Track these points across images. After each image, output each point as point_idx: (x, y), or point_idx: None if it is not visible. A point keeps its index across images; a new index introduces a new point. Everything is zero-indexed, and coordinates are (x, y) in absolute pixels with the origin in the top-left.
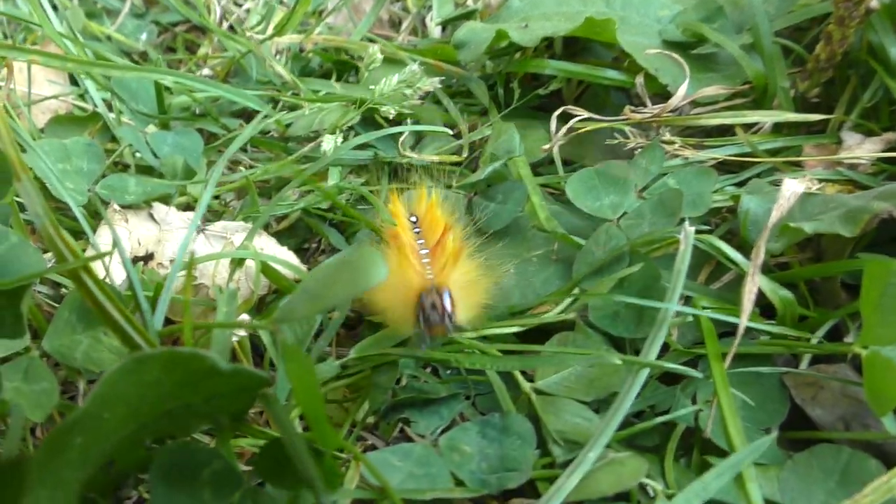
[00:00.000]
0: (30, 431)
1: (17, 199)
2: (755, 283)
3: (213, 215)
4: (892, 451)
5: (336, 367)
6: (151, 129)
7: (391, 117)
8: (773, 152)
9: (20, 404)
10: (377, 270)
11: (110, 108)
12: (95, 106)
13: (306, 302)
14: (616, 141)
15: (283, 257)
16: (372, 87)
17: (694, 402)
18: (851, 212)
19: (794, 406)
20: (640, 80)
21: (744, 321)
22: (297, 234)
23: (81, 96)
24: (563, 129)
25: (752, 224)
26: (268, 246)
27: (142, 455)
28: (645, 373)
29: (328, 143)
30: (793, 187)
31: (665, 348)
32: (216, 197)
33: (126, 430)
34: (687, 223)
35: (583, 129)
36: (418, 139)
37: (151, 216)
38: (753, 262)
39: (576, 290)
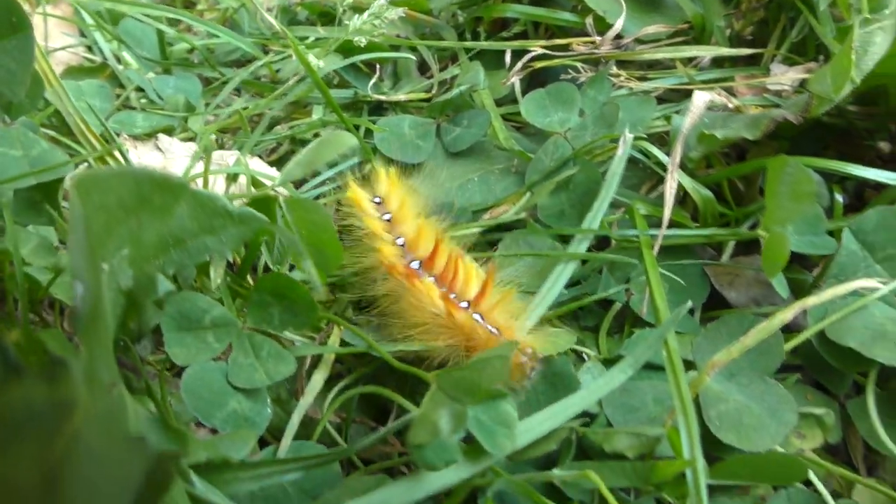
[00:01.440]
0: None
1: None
2: (674, 179)
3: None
4: (793, 322)
5: None
6: (152, 75)
7: (363, 45)
8: (709, 83)
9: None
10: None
11: (118, 59)
12: (104, 57)
13: (299, 167)
14: (570, 76)
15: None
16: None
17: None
18: (755, 118)
19: (713, 291)
20: (589, 20)
21: (667, 213)
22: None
23: (90, 48)
24: (519, 64)
25: (676, 134)
26: (259, 166)
27: (155, 305)
28: (574, 263)
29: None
30: (702, 98)
31: (608, 244)
32: (214, 134)
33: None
34: (626, 130)
35: (538, 65)
36: (396, 82)
37: (157, 146)
38: (672, 160)
39: (528, 194)
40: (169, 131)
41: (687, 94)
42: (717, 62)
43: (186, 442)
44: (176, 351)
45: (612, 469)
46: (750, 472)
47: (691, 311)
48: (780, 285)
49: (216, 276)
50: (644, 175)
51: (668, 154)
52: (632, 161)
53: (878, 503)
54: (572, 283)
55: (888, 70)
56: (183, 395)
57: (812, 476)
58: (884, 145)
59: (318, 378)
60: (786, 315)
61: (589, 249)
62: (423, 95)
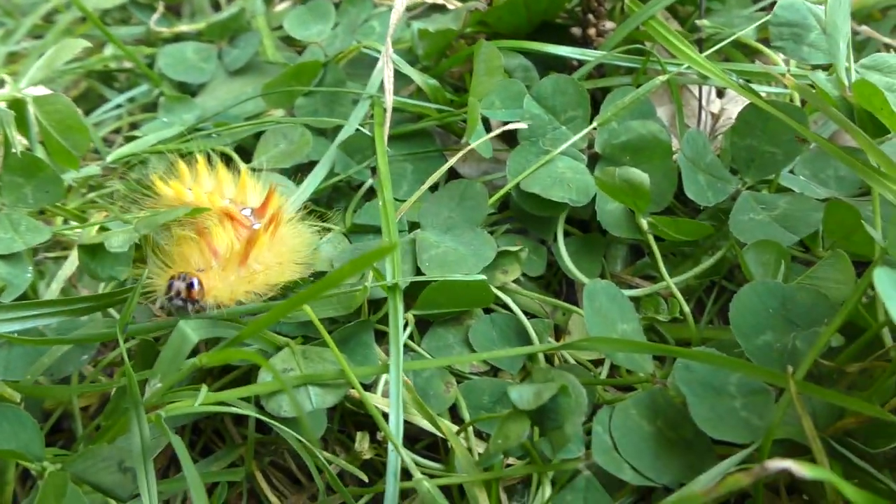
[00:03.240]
0: None
1: None
2: (390, 67)
3: None
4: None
5: None
6: None
7: None
8: None
9: None
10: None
11: None
12: None
13: (40, 70)
14: None
15: None
16: None
17: (373, 173)
18: (456, 12)
19: (451, 169)
20: None
21: (388, 98)
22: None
23: None
24: None
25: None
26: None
27: None
28: (333, 147)
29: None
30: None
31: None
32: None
33: None
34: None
35: None
36: (193, 17)
37: None
38: (385, 51)
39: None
40: None
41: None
42: None
43: None
44: None
45: (322, 302)
46: (446, 298)
47: (435, 187)
48: (479, 144)
49: None
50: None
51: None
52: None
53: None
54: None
55: None
56: None
57: (510, 302)
58: (576, 30)
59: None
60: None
61: None
62: (202, 26)
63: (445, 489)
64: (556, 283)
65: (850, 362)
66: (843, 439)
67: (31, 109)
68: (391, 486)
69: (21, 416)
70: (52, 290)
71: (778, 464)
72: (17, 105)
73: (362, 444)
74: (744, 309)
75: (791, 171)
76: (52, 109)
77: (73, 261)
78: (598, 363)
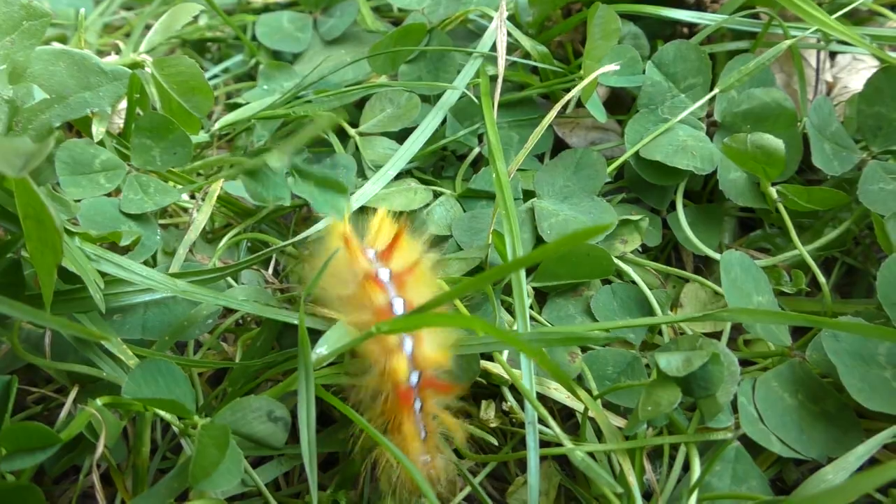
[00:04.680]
0: None
1: None
2: (503, 32)
3: None
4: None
5: None
6: None
7: None
8: None
9: None
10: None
11: None
12: None
13: (157, 34)
14: None
15: None
16: None
17: (480, 141)
18: None
19: (557, 139)
20: None
21: (501, 62)
22: None
23: None
24: None
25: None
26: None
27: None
28: (442, 112)
29: None
30: None
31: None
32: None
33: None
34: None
35: None
36: None
37: None
38: (498, 15)
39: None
40: (62, 40)
41: None
42: None
43: None
44: (71, 190)
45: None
46: (567, 269)
47: (540, 157)
48: (594, 108)
49: (99, 130)
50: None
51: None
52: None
53: (700, 296)
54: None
55: None
56: (80, 220)
57: (632, 273)
58: None
59: (201, 218)
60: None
61: None
62: None
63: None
64: (665, 256)
65: None
66: None
67: (151, 72)
68: (532, 452)
69: (175, 371)
70: (178, 255)
71: None
72: (134, 66)
73: (488, 411)
74: (891, 278)
75: None
76: (174, 71)
77: (197, 226)
78: (713, 336)
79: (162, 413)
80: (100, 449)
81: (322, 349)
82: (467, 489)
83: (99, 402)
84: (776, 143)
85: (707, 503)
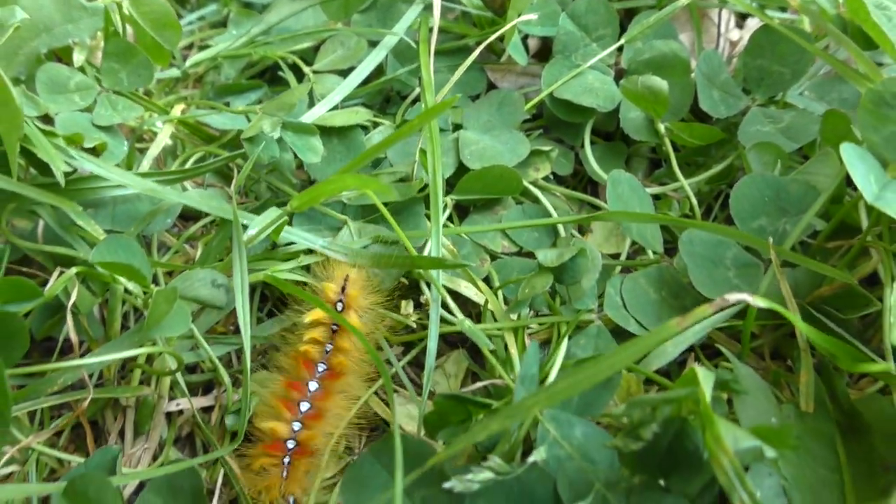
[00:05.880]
0: None
1: None
2: None
3: None
4: None
5: None
6: None
7: None
8: None
9: None
10: None
11: None
12: None
13: None
14: None
15: None
16: None
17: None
18: None
19: (490, 84)
20: None
21: (437, 11)
22: None
23: None
24: None
25: None
26: None
27: None
28: (384, 51)
29: None
30: None
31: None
32: None
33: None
34: None
35: None
36: None
37: None
38: None
39: None
40: None
41: None
42: None
43: None
44: (50, 106)
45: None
46: (482, 185)
47: (474, 98)
48: (516, 52)
49: (79, 58)
50: None
51: None
52: None
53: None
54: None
55: None
56: (58, 130)
57: (539, 194)
58: None
59: (164, 133)
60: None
61: None
62: None
63: None
64: (582, 189)
65: (828, 241)
66: (819, 307)
67: (126, 8)
68: (434, 326)
69: (134, 246)
70: (143, 167)
71: (737, 296)
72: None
73: (407, 308)
74: (742, 196)
75: (800, 94)
76: (148, 10)
77: (159, 142)
78: (614, 257)
79: (125, 283)
80: (73, 297)
81: (252, 230)
82: (393, 369)
83: (73, 269)
84: (661, 84)
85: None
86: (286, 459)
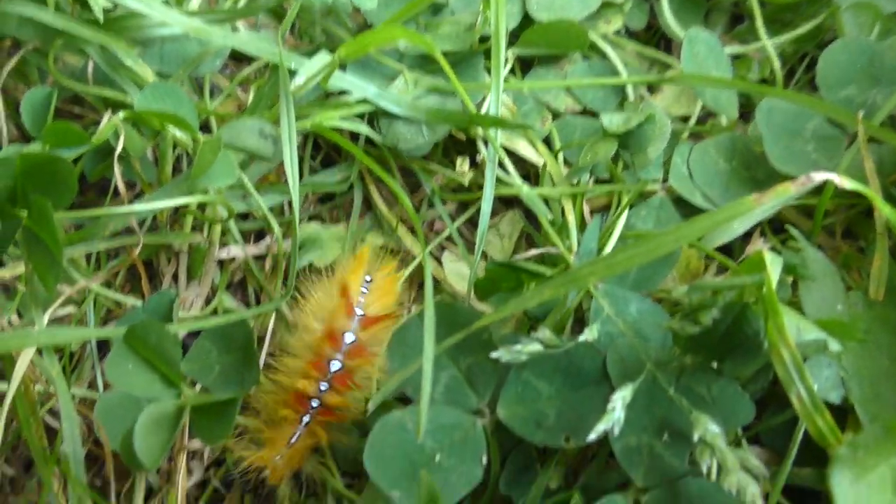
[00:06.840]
0: None
1: None
2: None
3: None
4: None
5: None
6: None
7: None
8: None
9: None
10: None
11: None
12: None
13: None
14: None
15: None
16: None
17: None
18: None
19: None
20: None
21: None
22: None
23: None
24: None
25: None
26: None
27: None
28: None
29: None
30: None
31: None
32: None
33: None
34: None
35: None
36: None
37: None
38: None
39: None
40: None
41: None
42: None
43: None
44: None
45: (444, 38)
46: (546, 39)
47: None
48: None
49: None
50: None
51: None
52: None
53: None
54: None
55: None
56: None
57: (607, 48)
58: None
59: None
60: None
61: None
62: None
63: None
64: (654, 44)
65: None
66: None
67: None
68: (489, 187)
69: (181, 94)
70: (193, 4)
71: (823, 175)
72: None
73: (463, 165)
74: (832, 62)
75: None
76: None
77: None
78: (683, 119)
79: (173, 129)
80: (119, 146)
81: (301, 77)
82: (447, 231)
83: (121, 114)
84: None
85: (630, 240)
86: (305, 418)
